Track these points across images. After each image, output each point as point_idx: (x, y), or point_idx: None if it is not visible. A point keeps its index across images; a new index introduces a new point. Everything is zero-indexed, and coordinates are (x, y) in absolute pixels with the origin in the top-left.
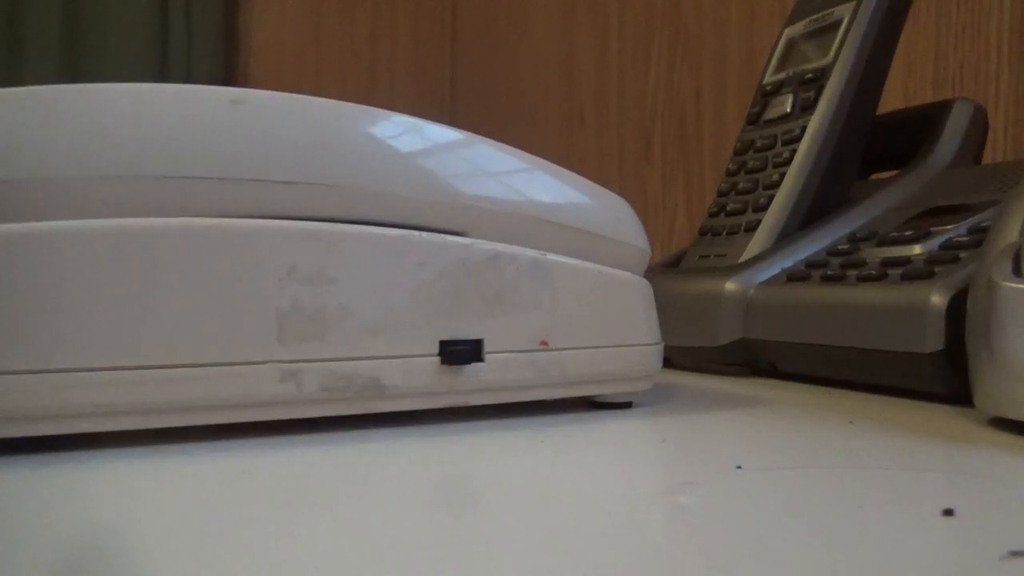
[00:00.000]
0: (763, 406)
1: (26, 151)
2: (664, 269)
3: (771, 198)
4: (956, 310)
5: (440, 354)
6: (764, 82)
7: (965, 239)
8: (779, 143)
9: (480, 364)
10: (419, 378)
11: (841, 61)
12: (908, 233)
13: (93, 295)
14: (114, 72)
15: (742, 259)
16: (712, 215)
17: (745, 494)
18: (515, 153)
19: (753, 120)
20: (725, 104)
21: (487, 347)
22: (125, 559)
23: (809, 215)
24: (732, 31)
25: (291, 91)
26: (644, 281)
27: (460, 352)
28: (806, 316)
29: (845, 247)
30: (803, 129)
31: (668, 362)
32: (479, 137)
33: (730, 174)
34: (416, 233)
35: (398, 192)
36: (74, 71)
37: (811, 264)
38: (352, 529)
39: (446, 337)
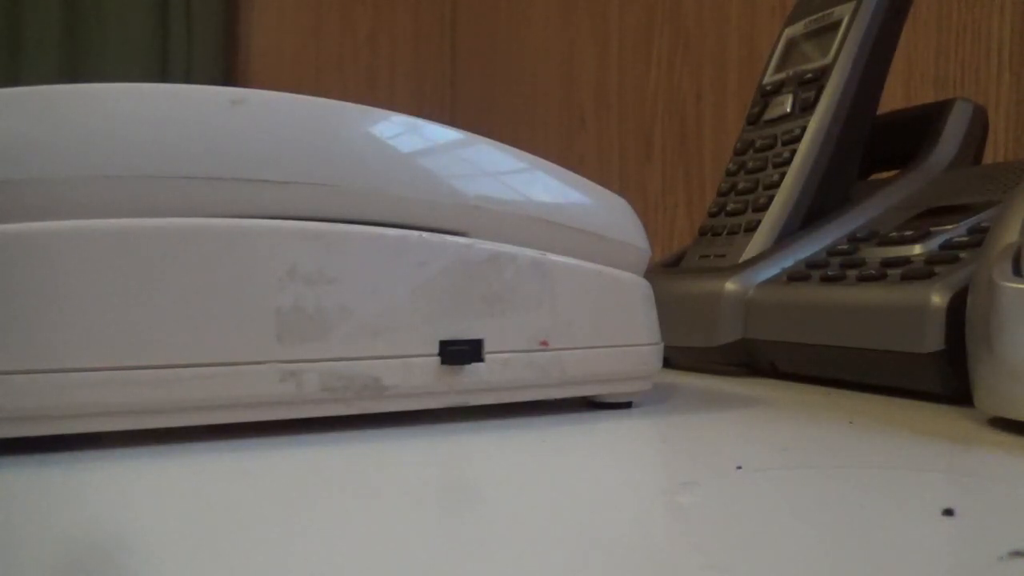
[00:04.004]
0: (763, 406)
1: (26, 151)
2: (664, 269)
3: (771, 198)
4: (956, 310)
5: (440, 354)
6: (764, 82)
7: (965, 239)
8: (779, 143)
9: (480, 364)
10: (419, 378)
11: (841, 61)
12: (908, 233)
13: (93, 295)
14: (114, 72)
15: (742, 259)
16: (712, 215)
17: (745, 494)
18: (515, 153)
19: (753, 120)
20: (725, 104)
21: (487, 347)
22: (125, 559)
23: (809, 215)
24: (732, 31)
25: (291, 91)
26: (644, 281)
27: (460, 352)
28: (806, 316)
29: (845, 247)
30: (803, 129)
31: (668, 362)
32: (479, 137)
33: (730, 174)
34: (416, 233)
35: (398, 192)
36: (74, 71)
37: (811, 264)
38: (352, 529)
39: (446, 337)
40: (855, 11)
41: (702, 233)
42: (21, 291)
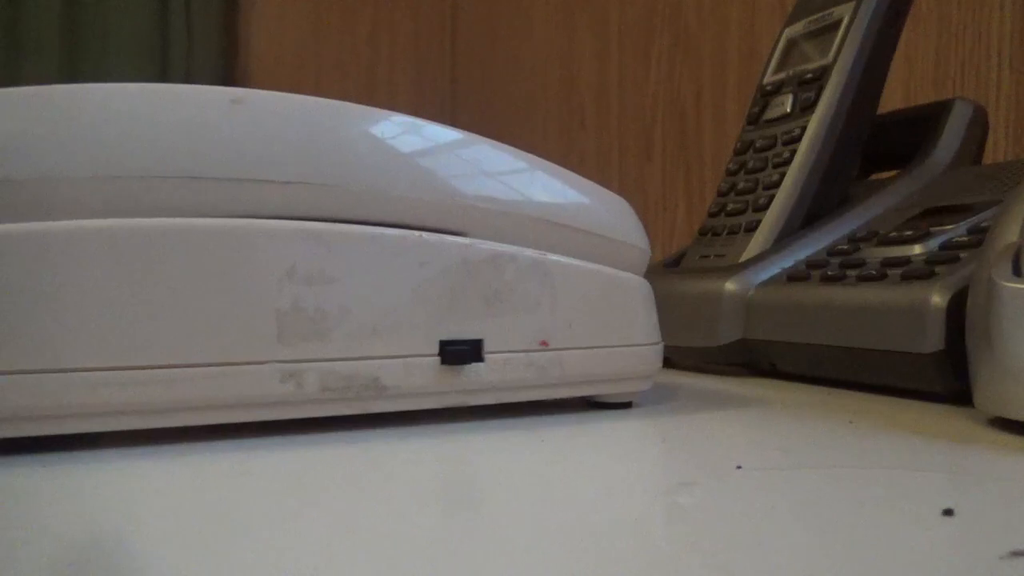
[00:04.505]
0: (763, 406)
1: (26, 151)
2: (664, 269)
3: (771, 198)
4: (956, 310)
5: (440, 354)
6: (764, 82)
7: (965, 239)
8: (779, 143)
9: (480, 364)
10: (419, 378)
11: (841, 61)
12: (908, 233)
13: (93, 295)
14: (114, 72)
15: (742, 259)
16: (712, 215)
17: (745, 494)
18: (515, 153)
19: (753, 120)
20: (725, 104)
21: (487, 347)
22: (125, 559)
23: (809, 215)
24: (732, 31)
25: (291, 91)
26: (644, 281)
27: (460, 352)
28: (806, 316)
29: (845, 247)
30: (803, 129)
31: (668, 362)
32: (479, 137)
33: (730, 174)
34: (416, 233)
35: (398, 192)
36: (74, 71)
37: (811, 264)
38: (352, 529)
39: (446, 337)
40: (855, 11)
41: (702, 233)
42: (21, 291)
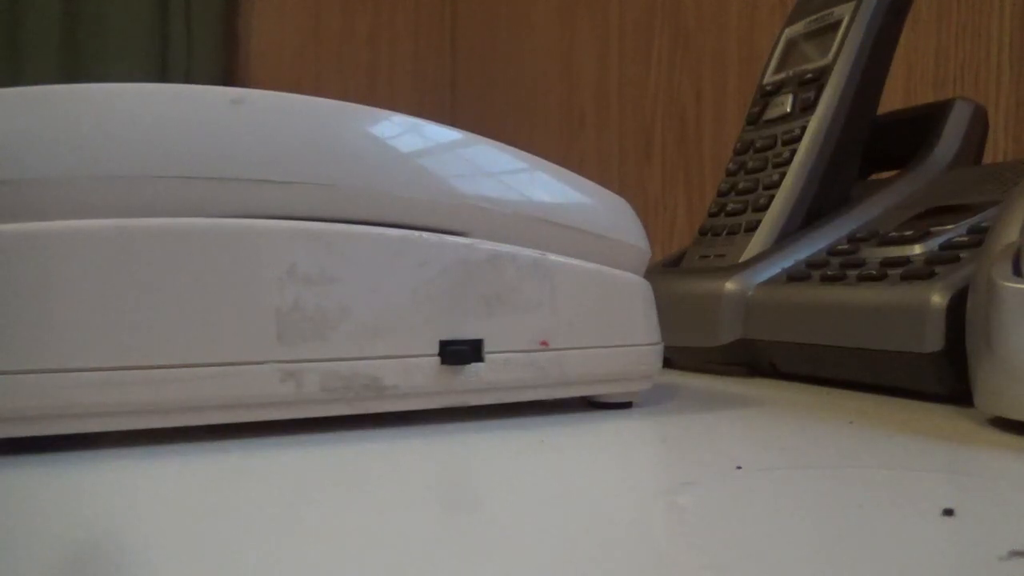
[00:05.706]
0: (763, 406)
1: (26, 151)
2: (664, 269)
3: (771, 198)
4: (956, 310)
5: (440, 354)
6: (764, 82)
7: (965, 239)
8: (779, 143)
9: (480, 364)
10: (419, 378)
11: (841, 61)
12: (908, 233)
13: (93, 295)
14: (114, 72)
15: (742, 259)
16: (712, 215)
17: (745, 494)
18: (515, 153)
19: (753, 120)
20: (725, 104)
21: (487, 347)
22: (125, 559)
23: (809, 215)
24: (732, 31)
25: (291, 91)
26: (644, 281)
27: (460, 352)
28: (806, 316)
29: (845, 247)
30: (803, 129)
31: (668, 362)
32: (479, 137)
33: (730, 174)
34: (416, 233)
35: (398, 192)
36: (74, 71)
37: (811, 264)
38: (352, 529)
39: (446, 337)
40: (855, 11)
41: (702, 233)
42: (21, 291)
